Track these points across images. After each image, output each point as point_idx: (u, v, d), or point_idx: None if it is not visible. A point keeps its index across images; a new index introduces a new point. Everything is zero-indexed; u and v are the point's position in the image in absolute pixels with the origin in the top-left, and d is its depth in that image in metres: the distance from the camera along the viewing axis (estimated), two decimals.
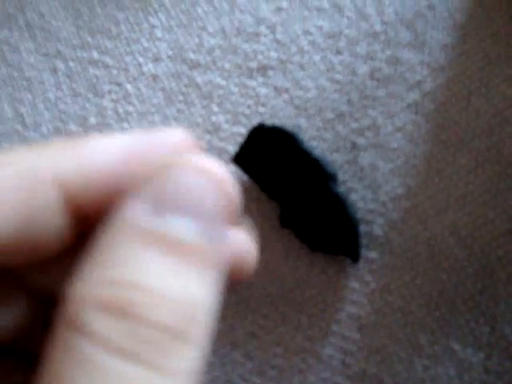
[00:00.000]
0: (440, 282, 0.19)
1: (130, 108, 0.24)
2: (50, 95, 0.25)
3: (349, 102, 0.21)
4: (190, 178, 0.09)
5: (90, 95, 0.25)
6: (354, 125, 0.21)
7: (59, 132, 0.25)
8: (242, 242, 0.12)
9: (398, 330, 0.19)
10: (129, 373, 0.08)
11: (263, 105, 0.22)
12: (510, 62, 0.20)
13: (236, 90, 0.22)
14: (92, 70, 0.25)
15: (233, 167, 0.21)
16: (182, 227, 0.09)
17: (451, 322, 0.18)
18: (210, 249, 0.09)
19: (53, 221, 0.10)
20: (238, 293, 0.20)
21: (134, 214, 0.09)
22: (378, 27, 0.22)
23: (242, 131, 0.22)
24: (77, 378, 0.08)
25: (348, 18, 0.22)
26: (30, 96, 0.26)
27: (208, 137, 0.22)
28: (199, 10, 0.24)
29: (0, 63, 0.27)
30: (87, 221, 0.10)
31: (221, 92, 0.23)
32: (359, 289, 0.19)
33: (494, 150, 0.19)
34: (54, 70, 0.26)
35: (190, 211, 0.09)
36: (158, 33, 0.25)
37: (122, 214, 0.09)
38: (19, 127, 0.25)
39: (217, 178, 0.09)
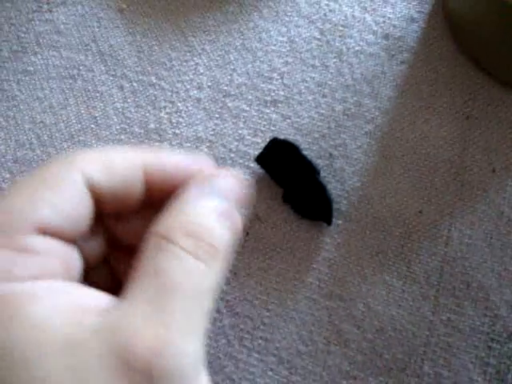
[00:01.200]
0: (378, 240, 0.33)
1: (181, 119, 0.37)
2: (118, 105, 0.38)
3: (329, 128, 0.36)
4: (228, 179, 0.19)
5: (150, 108, 0.38)
6: (331, 142, 0.35)
7: (125, 132, 0.37)
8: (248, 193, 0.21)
9: (353, 267, 0.33)
10: (193, 262, 0.16)
11: (274, 125, 0.36)
12: (426, 111, 0.35)
13: (256, 114, 0.36)
14: (151, 91, 0.38)
15: (254, 165, 0.35)
16: (224, 202, 0.18)
17: (384, 263, 0.33)
18: (235, 218, 0.19)
19: (137, 190, 0.19)
20: (253, 243, 0.34)
21: (198, 191, 0.18)
22: (349, 82, 0.37)
23: (259, 141, 0.36)
24: (163, 262, 0.16)
25: (331, 73, 0.37)
26: (101, 104, 0.38)
27: (236, 143, 0.36)
28: (231, 57, 0.38)
29: (77, 78, 0.39)
30: (151, 193, 0.19)
31: (245, 114, 0.36)
32: (330, 242, 0.33)
33: (415, 163, 0.34)
34: (121, 88, 0.39)
35: (226, 196, 0.19)
36: (201, 69, 0.38)
37: (191, 190, 0.18)
38: (93, 126, 0.38)
39: (241, 181, 0.20)
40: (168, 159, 0.19)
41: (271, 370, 0.32)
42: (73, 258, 0.17)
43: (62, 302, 0.15)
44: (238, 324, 0.33)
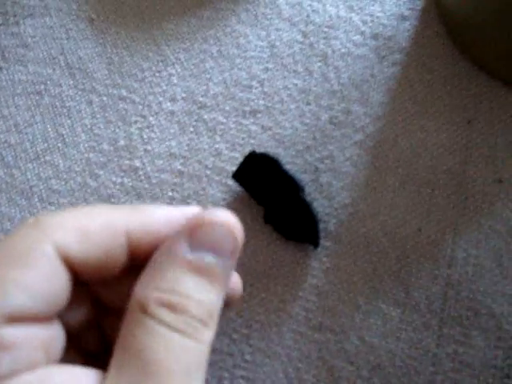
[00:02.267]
0: (372, 263, 0.29)
1: (152, 135, 0.33)
2: (86, 121, 0.35)
3: (314, 138, 0.32)
4: (214, 228, 0.16)
5: (120, 123, 0.34)
6: (317, 155, 0.31)
7: (94, 150, 0.34)
8: (235, 282, 0.20)
9: (344, 295, 0.29)
10: (178, 339, 0.15)
11: (253, 138, 0.32)
12: (422, 116, 0.31)
13: (233, 126, 0.33)
14: (121, 105, 0.35)
15: (232, 182, 0.31)
16: (206, 259, 0.16)
17: (380, 289, 0.29)
18: (222, 273, 0.16)
19: (119, 256, 0.17)
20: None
21: (178, 249, 0.16)
22: (336, 87, 0.33)
23: (238, 156, 0.32)
24: (146, 341, 0.14)
25: (315, 79, 0.33)
26: (69, 121, 0.35)
27: (212, 159, 0.32)
28: (207, 65, 0.34)
29: (44, 94, 0.36)
30: (136, 255, 0.17)
31: (222, 127, 0.33)
32: (318, 267, 0.29)
33: (411, 175, 0.30)
34: (90, 102, 0.35)
35: (212, 249, 0.16)
36: (175, 80, 0.35)
37: (170, 249, 0.16)
38: (60, 144, 0.34)
39: (230, 228, 0.16)
40: (153, 218, 0.17)
41: None
42: (53, 338, 0.16)
43: None
44: (215, 361, 0.29)
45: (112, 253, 0.16)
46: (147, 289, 0.15)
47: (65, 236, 0.15)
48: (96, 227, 0.16)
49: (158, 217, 0.17)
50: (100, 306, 0.19)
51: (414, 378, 0.27)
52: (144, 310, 0.15)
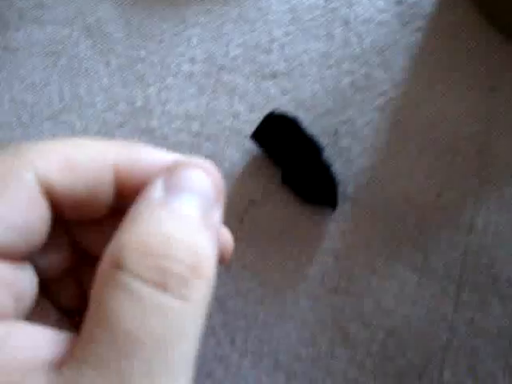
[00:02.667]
0: (391, 227, 0.28)
1: (170, 96, 0.33)
2: (104, 82, 0.34)
3: (334, 102, 0.31)
4: (191, 171, 0.14)
5: (138, 84, 0.34)
6: (337, 118, 0.31)
7: (111, 110, 0.33)
8: (224, 236, 0.17)
9: (361, 258, 0.28)
10: (159, 298, 0.11)
11: (273, 100, 0.32)
12: (445, 83, 0.30)
13: (253, 88, 0.32)
14: (140, 65, 0.34)
15: (250, 143, 0.30)
16: (183, 199, 0.13)
17: (398, 252, 0.28)
18: (205, 215, 0.13)
19: (105, 194, 0.14)
20: (248, 231, 0.29)
21: (152, 192, 0.13)
22: (357, 52, 0.32)
23: (256, 118, 0.31)
24: (113, 301, 0.11)
25: (337, 43, 0.32)
26: (86, 81, 0.34)
27: (231, 119, 0.31)
28: (227, 28, 0.34)
29: (61, 54, 0.35)
30: (121, 197, 0.15)
31: (241, 89, 0.32)
32: (335, 229, 0.29)
33: (433, 141, 0.30)
34: (108, 63, 0.35)
35: (189, 190, 0.13)
36: (194, 41, 0.34)
37: (147, 193, 0.13)
38: (76, 104, 0.34)
39: (209, 171, 0.14)
40: (142, 157, 0.15)
41: (267, 375, 0.28)
42: (23, 283, 0.13)
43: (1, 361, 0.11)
44: (229, 322, 0.28)
45: (98, 189, 0.14)
46: (119, 238, 0.12)
47: (47, 164, 0.13)
48: (83, 158, 0.14)
49: (146, 157, 0.15)
50: (81, 257, 0.17)
51: (429, 344, 0.27)
52: (114, 262, 0.12)
